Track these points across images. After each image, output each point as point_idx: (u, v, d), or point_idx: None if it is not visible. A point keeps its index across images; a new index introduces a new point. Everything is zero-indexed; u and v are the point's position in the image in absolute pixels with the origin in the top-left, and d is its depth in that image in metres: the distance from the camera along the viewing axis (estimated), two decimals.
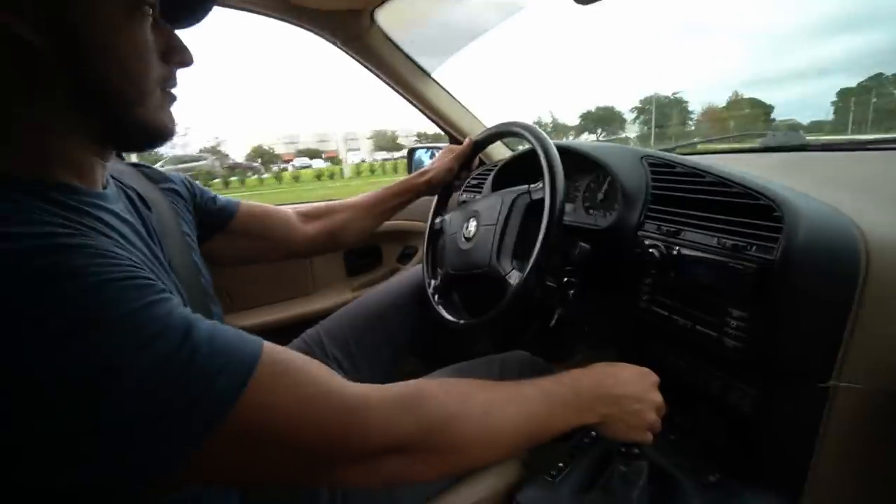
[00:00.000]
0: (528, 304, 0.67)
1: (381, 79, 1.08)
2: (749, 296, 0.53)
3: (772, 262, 0.50)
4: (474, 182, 1.16)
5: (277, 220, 0.81)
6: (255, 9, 0.94)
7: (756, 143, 0.97)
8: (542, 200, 0.65)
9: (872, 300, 0.50)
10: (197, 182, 0.72)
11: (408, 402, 0.39)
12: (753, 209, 0.55)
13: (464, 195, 1.16)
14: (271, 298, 1.23)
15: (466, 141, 0.91)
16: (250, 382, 0.32)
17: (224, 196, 0.75)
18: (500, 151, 1.26)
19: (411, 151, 1.56)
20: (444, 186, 0.94)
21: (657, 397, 0.54)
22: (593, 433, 0.72)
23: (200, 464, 0.30)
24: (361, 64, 1.03)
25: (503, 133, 0.85)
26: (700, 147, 1.10)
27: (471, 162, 0.94)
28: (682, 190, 0.66)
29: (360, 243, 0.92)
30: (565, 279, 0.78)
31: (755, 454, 0.59)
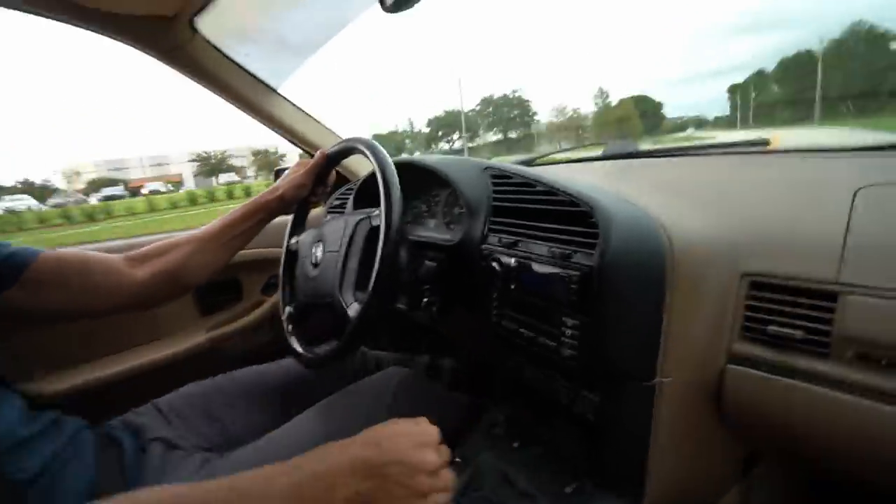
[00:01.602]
0: (373, 334, 0.62)
1: (217, 94, 0.96)
2: (577, 303, 0.53)
3: (591, 268, 0.51)
4: (337, 203, 1.09)
5: (99, 268, 0.67)
6: (44, 13, 0.77)
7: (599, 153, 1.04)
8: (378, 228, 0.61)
9: (680, 299, 0.53)
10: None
11: None
12: (578, 217, 0.56)
13: (328, 216, 1.08)
14: (103, 350, 1.02)
15: (318, 153, 0.83)
16: None
17: (19, 243, 0.62)
18: (365, 167, 1.21)
19: (277, 173, 1.44)
20: (300, 204, 0.86)
21: (425, 459, 0.45)
22: (458, 460, 0.69)
23: None
24: (190, 78, 0.91)
25: (349, 149, 0.79)
26: (555, 157, 1.16)
27: (326, 176, 0.87)
28: (518, 200, 0.65)
29: (206, 280, 0.79)
30: (425, 299, 0.74)
31: (600, 460, 0.59)
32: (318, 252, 0.74)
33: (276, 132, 1.07)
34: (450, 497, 0.47)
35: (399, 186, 0.63)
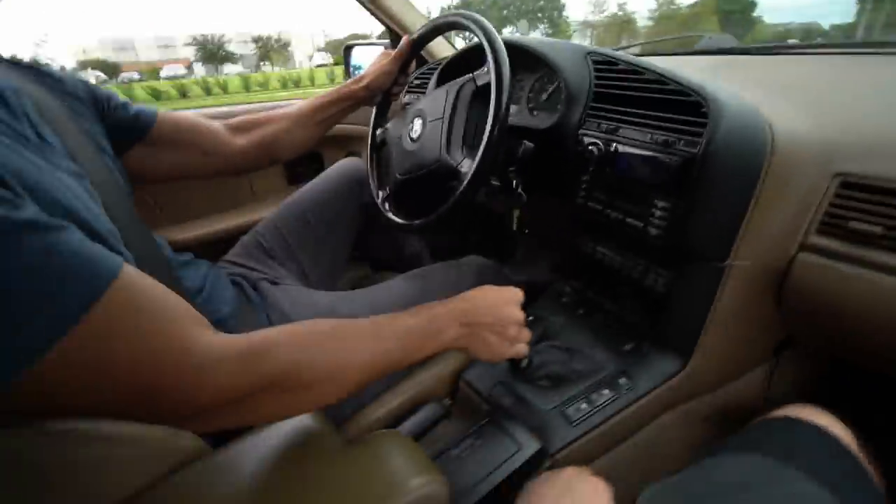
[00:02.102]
0: (484, 188, 0.67)
1: None
2: (673, 187, 0.58)
3: (694, 156, 0.55)
4: (417, 83, 1.10)
5: (205, 132, 0.74)
6: None
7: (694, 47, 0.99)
8: (488, 85, 0.63)
9: (770, 192, 0.57)
10: (100, 86, 0.63)
11: (250, 357, 0.38)
12: (686, 106, 0.58)
13: (407, 97, 1.10)
14: (207, 210, 1.16)
15: (404, 39, 0.83)
16: (95, 305, 0.30)
17: (137, 104, 0.67)
18: (443, 49, 1.19)
19: (348, 49, 1.43)
20: (384, 93, 0.89)
21: (513, 313, 0.57)
22: (531, 318, 0.81)
23: (38, 377, 0.29)
24: None
25: (442, 26, 0.78)
26: (645, 49, 1.11)
27: (409, 64, 0.88)
28: (622, 87, 0.67)
29: (296, 155, 0.87)
30: (511, 180, 0.79)
31: (661, 326, 0.70)
32: (417, 126, 0.77)
33: (367, 9, 1.05)
34: (528, 348, 0.60)
35: (502, 43, 0.63)
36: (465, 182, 0.62)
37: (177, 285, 0.55)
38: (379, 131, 0.88)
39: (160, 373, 0.33)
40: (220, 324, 0.60)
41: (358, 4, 1.05)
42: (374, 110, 0.90)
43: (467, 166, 0.64)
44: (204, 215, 1.14)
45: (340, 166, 0.96)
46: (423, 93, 1.01)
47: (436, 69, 1.00)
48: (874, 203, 0.54)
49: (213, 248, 0.88)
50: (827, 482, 0.39)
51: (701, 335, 0.66)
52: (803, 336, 0.75)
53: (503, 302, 0.57)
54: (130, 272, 0.34)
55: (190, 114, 0.78)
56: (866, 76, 0.70)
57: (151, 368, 0.33)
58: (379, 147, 0.88)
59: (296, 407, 0.43)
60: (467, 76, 0.70)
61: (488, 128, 0.61)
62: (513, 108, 0.96)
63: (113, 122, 0.61)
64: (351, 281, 1.03)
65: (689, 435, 0.76)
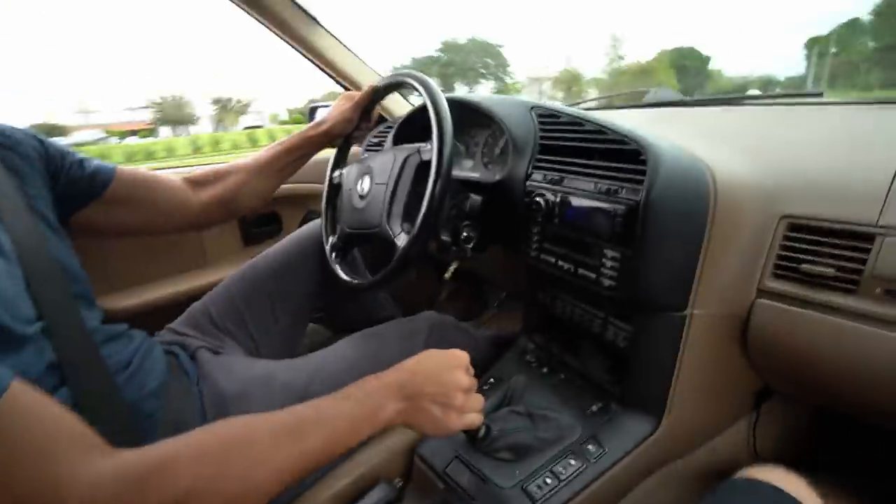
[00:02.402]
0: (418, 265, 0.66)
1: (256, 18, 0.95)
2: (620, 236, 0.56)
3: (637, 203, 0.54)
4: (375, 140, 1.11)
5: (164, 188, 0.72)
6: None
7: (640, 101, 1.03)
8: (430, 162, 0.64)
9: (719, 236, 0.56)
10: (54, 140, 0.60)
11: (139, 483, 0.34)
12: (626, 154, 0.58)
13: (365, 154, 1.11)
14: (157, 274, 1.10)
15: (367, 87, 0.84)
16: None
17: (95, 159, 0.65)
18: (402, 107, 1.21)
19: (312, 109, 1.46)
20: (344, 138, 0.88)
21: (457, 379, 0.50)
22: (491, 380, 0.75)
23: None
24: (241, 8, 0.90)
25: (399, 83, 0.80)
26: (600, 103, 1.15)
27: (370, 111, 0.88)
28: (565, 139, 0.67)
29: (258, 208, 0.84)
30: (463, 234, 0.78)
31: (628, 383, 0.65)
32: (366, 184, 0.77)
33: (320, 68, 1.08)
34: (481, 416, 0.54)
35: (450, 121, 0.65)
36: (397, 256, 0.64)
37: (98, 365, 0.51)
38: (336, 173, 0.87)
39: None
40: (146, 399, 0.55)
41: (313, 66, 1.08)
42: (334, 151, 0.89)
43: (402, 241, 0.65)
44: (151, 280, 1.08)
45: (308, 227, 0.92)
46: (381, 150, 1.01)
47: (392, 127, 1.01)
48: (823, 245, 0.52)
49: (161, 315, 0.82)
50: None
51: (670, 391, 0.62)
52: (777, 384, 0.71)
53: (446, 368, 0.51)
54: (15, 392, 0.32)
55: (147, 169, 0.75)
56: (801, 124, 0.72)
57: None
58: (335, 190, 0.87)
59: None
60: (415, 146, 0.71)
61: (423, 210, 0.61)
62: (468, 162, 0.97)
63: (67, 182, 0.59)
64: (312, 346, 0.97)
65: (674, 501, 0.69)
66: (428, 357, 0.52)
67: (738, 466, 0.49)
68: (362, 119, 0.87)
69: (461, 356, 0.53)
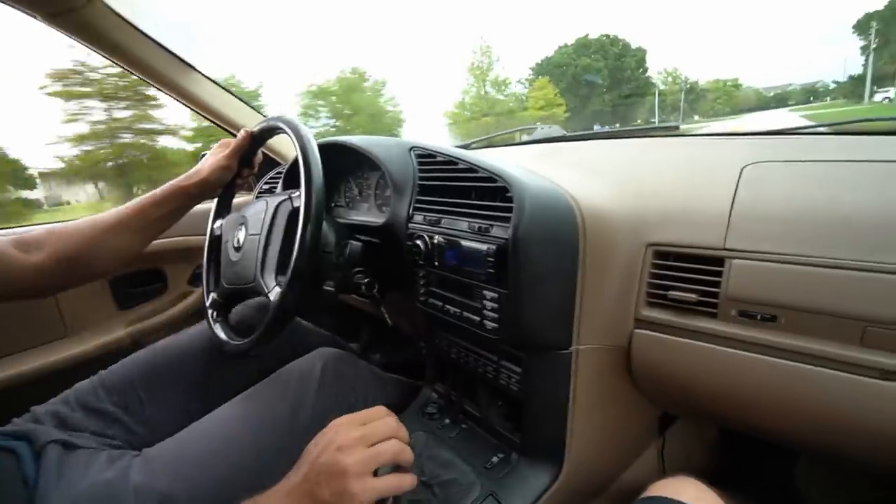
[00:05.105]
0: (292, 318, 0.61)
1: (120, 66, 0.87)
2: (494, 276, 0.54)
3: (506, 241, 0.52)
4: (266, 187, 1.05)
5: None
6: None
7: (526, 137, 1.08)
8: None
9: (591, 269, 0.55)
10: None
11: None
12: (497, 192, 0.57)
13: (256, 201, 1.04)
14: (4, 349, 0.92)
15: (242, 132, 0.78)
16: None
17: None
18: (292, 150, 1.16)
19: (200, 157, 1.36)
20: (225, 187, 0.81)
21: (355, 458, 0.41)
22: None
23: None
24: (87, 46, 0.82)
25: (272, 128, 0.76)
26: (492, 141, 1.18)
27: (252, 157, 0.82)
28: (442, 178, 0.66)
29: (119, 268, 0.73)
30: (360, 281, 0.73)
31: (525, 430, 0.61)
32: (241, 235, 0.71)
33: (194, 111, 1.00)
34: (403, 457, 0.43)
35: (320, 165, 0.62)
36: (269, 315, 0.60)
37: None
38: (217, 224, 0.80)
39: None
40: None
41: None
42: (215, 201, 0.81)
43: (275, 295, 0.60)
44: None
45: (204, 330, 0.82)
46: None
47: (282, 172, 0.95)
48: (686, 271, 0.53)
49: (20, 398, 0.66)
50: None
51: (567, 434, 0.59)
52: (674, 410, 0.71)
53: (332, 450, 0.41)
54: None
55: None
56: (663, 155, 0.76)
57: None
58: (216, 242, 0.79)
59: None
60: (285, 194, 0.67)
61: (293, 261, 0.58)
62: (363, 205, 0.93)
63: None
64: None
65: None
66: (311, 453, 0.43)
67: None
68: (242, 166, 0.81)
69: (339, 434, 0.43)
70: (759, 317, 0.47)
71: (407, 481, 0.43)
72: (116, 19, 0.81)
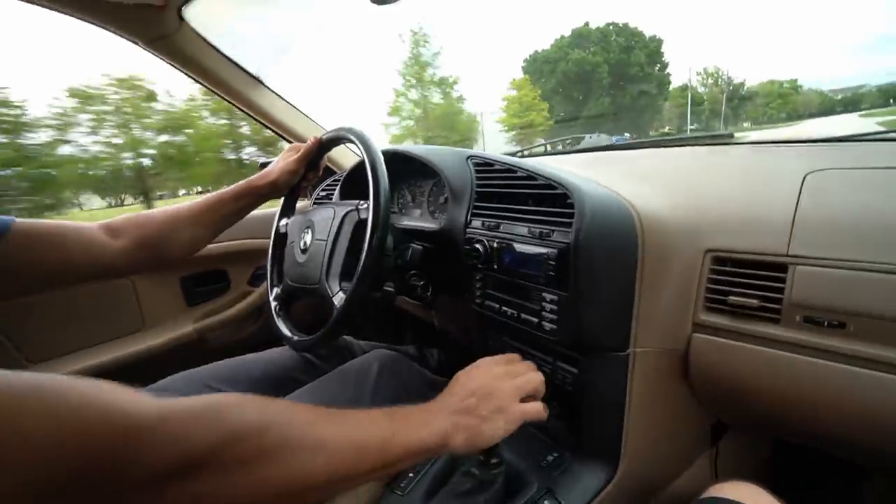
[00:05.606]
0: (354, 321, 0.66)
1: (204, 84, 0.96)
2: (555, 279, 0.56)
3: (568, 245, 0.54)
4: (323, 194, 1.11)
5: (71, 236, 0.67)
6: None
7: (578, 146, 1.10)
8: (367, 221, 0.64)
9: (650, 273, 0.57)
10: None
11: (206, 412, 0.35)
12: (556, 198, 0.60)
13: (313, 206, 1.10)
14: (87, 341, 1.02)
15: (311, 139, 0.84)
16: None
17: None
18: (351, 159, 1.23)
19: (263, 165, 1.45)
20: (290, 189, 0.87)
21: (506, 385, 0.51)
22: None
23: None
24: (177, 69, 0.91)
25: (341, 138, 0.81)
26: (536, 150, 1.21)
27: (318, 162, 0.88)
28: (500, 185, 0.69)
29: (189, 255, 0.80)
30: (415, 283, 0.77)
31: (580, 430, 0.63)
32: (307, 238, 0.76)
33: (263, 123, 1.08)
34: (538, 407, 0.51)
35: (387, 179, 0.66)
36: (332, 319, 0.64)
37: None
38: (283, 222, 0.86)
39: (100, 453, 0.29)
40: None
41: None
42: (278, 209, 0.88)
43: (339, 300, 0.65)
44: (81, 347, 1.00)
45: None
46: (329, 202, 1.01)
47: (339, 181, 1.01)
48: (747, 276, 0.54)
49: None
50: None
51: (623, 436, 0.60)
52: (727, 417, 0.70)
53: (493, 376, 0.51)
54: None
55: (52, 221, 0.71)
56: (719, 163, 0.77)
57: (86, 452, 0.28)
58: (281, 240, 0.85)
59: (258, 486, 0.35)
60: (353, 204, 0.71)
61: (358, 272, 0.62)
62: (416, 211, 0.98)
63: None
64: None
65: None
66: (474, 373, 0.53)
67: None
68: (308, 171, 0.87)
69: (498, 365, 0.54)
70: (825, 323, 0.48)
71: (545, 411, 0.52)
72: (201, 41, 0.89)
